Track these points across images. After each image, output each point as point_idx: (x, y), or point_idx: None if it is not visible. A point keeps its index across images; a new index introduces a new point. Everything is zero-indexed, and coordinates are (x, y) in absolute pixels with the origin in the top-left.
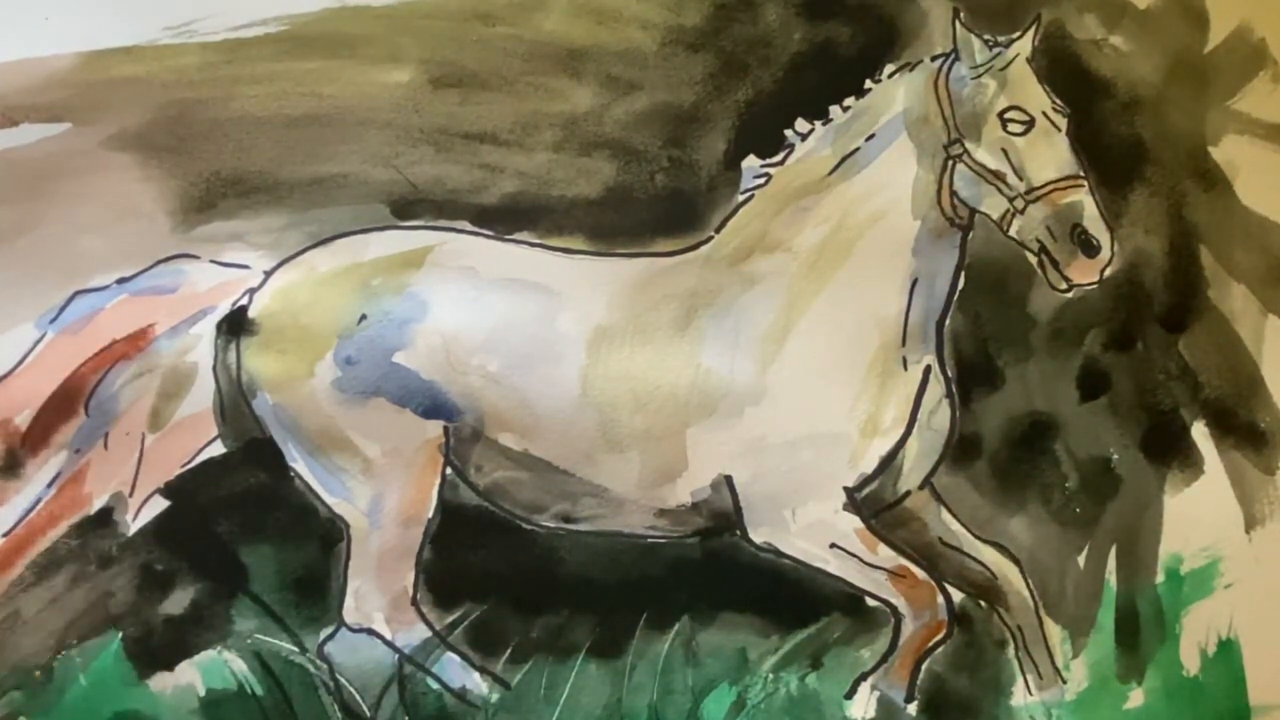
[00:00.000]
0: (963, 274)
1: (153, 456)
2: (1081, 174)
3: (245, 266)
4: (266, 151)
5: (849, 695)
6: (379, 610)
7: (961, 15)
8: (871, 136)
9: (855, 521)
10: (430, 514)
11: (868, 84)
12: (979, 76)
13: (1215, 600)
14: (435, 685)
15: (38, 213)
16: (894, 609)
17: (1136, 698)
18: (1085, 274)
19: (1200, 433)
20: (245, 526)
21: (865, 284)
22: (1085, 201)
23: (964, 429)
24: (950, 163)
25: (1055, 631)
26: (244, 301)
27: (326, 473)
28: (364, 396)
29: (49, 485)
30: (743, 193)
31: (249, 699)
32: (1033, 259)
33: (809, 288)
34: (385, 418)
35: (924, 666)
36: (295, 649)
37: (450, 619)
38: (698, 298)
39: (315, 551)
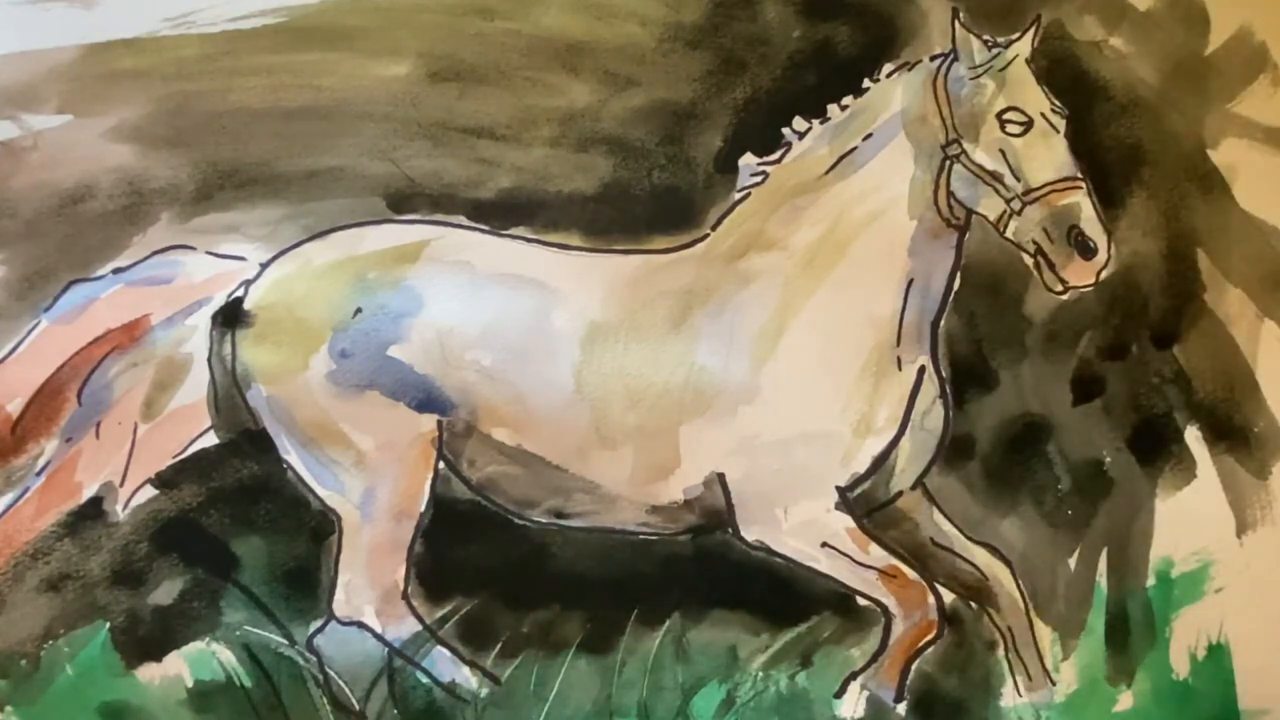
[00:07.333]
0: (958, 275)
1: (145, 446)
2: (1079, 175)
3: (241, 258)
4: (264, 144)
5: (838, 694)
6: (369, 603)
7: (961, 15)
8: (869, 136)
9: (847, 521)
10: (422, 508)
11: (866, 83)
12: (978, 77)
13: (1206, 604)
14: (425, 679)
15: (39, 203)
16: (885, 609)
17: (1126, 700)
18: (1081, 276)
19: (1193, 436)
20: (236, 518)
21: (860, 283)
22: (1082, 203)
23: (957, 430)
24: (948, 163)
25: (1045, 633)
26: (239, 293)
27: (319, 465)
28: (358, 390)
29: (38, 473)
30: (739, 190)
31: (237, 691)
32: (1029, 260)
33: (804, 286)
34: (379, 411)
35: (914, 666)
36: (284, 641)
37: (441, 613)
38: (693, 295)
39: (306, 544)
